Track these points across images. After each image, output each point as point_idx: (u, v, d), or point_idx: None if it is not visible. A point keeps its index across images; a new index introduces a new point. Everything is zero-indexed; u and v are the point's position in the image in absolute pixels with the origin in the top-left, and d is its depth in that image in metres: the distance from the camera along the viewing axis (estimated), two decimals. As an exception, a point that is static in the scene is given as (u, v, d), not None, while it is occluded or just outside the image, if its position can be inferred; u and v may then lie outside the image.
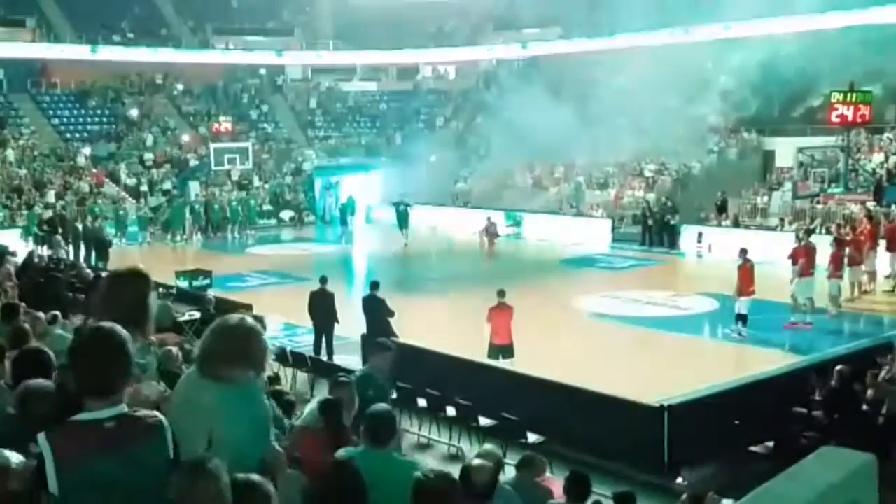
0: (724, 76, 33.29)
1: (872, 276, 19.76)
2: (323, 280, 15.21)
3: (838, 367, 10.05)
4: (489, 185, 35.96)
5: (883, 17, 30.57)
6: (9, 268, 14.52)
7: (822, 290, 17.32)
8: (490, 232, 28.24)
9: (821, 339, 15.80)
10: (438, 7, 46.04)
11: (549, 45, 42.26)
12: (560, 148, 32.45)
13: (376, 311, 14.01)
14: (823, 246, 18.09)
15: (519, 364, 12.67)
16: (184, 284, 19.14)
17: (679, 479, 8.68)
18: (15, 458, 2.77)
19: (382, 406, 5.05)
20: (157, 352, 6.39)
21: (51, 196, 32.58)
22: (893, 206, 23.42)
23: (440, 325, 16.23)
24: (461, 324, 15.58)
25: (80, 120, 39.42)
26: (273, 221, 36.69)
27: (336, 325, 14.82)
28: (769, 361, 13.70)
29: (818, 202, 26.46)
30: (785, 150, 30.62)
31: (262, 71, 45.37)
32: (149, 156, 38.04)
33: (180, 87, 42.86)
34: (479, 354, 12.95)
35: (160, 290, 13.77)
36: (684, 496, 6.26)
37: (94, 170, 35.91)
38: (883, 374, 10.30)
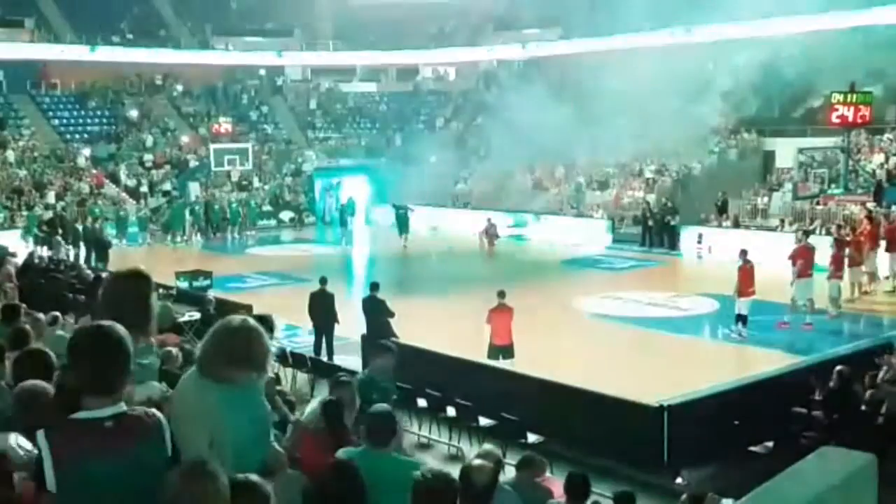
0: (725, 77, 33.27)
1: (872, 276, 19.78)
2: (323, 281, 15.22)
3: (838, 368, 10.05)
4: (489, 186, 35.96)
5: (883, 18, 30.58)
6: (9, 269, 14.55)
7: (822, 291, 17.33)
8: (490, 233, 28.28)
9: (821, 339, 15.81)
10: (438, 7, 46.03)
11: (549, 45, 42.27)
12: (560, 149, 32.46)
13: (376, 311, 14.02)
14: (823, 247, 18.11)
15: (519, 364, 12.67)
16: (184, 285, 19.13)
17: (679, 479, 8.67)
18: (13, 439, 2.76)
19: (383, 406, 5.06)
20: (157, 352, 6.38)
21: (51, 197, 32.59)
22: (893, 207, 23.42)
23: (440, 326, 16.21)
24: (461, 324, 15.58)
25: (80, 121, 39.44)
26: (273, 222, 36.71)
27: (336, 325, 14.83)
28: (769, 361, 13.72)
29: (818, 203, 26.46)
30: (785, 151, 30.60)
31: (262, 72, 45.39)
32: (149, 157, 38.06)
33: (180, 87, 42.87)
34: (479, 355, 12.95)
35: (160, 290, 13.77)
36: (684, 496, 6.26)
37: (94, 171, 35.93)
38: (882, 374, 10.31)
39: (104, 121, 39.90)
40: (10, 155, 34.86)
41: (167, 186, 36.37)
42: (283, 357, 12.84)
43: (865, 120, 26.49)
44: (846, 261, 18.27)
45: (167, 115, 41.16)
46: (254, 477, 2.76)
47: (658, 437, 9.79)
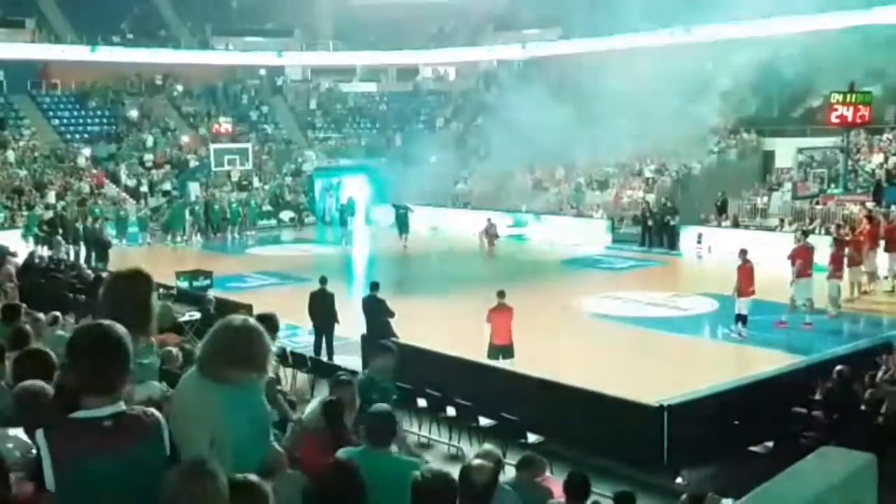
0: (724, 77, 33.29)
1: (872, 276, 19.78)
2: (323, 281, 15.21)
3: (838, 368, 10.05)
4: (489, 186, 35.96)
5: (883, 18, 30.59)
6: (9, 268, 14.56)
7: (822, 291, 17.33)
8: (490, 233, 28.28)
9: (821, 339, 15.80)
10: (438, 7, 46.03)
11: (549, 45, 42.27)
12: (560, 149, 32.43)
13: (376, 311, 14.02)
14: (823, 246, 18.11)
15: (519, 364, 12.67)
16: (184, 285, 19.12)
17: (679, 479, 8.67)
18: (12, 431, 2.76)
19: (383, 406, 5.06)
20: (158, 352, 6.39)
21: (51, 197, 32.60)
22: (893, 207, 23.44)
23: (440, 326, 16.21)
24: (461, 324, 15.57)
25: (81, 121, 39.45)
26: (273, 222, 36.69)
27: (336, 325, 14.83)
28: (769, 361, 13.71)
29: (818, 203, 26.47)
30: (785, 151, 30.62)
31: (262, 72, 45.40)
32: (149, 157, 38.06)
33: (180, 87, 42.88)
34: (479, 355, 12.94)
35: (160, 290, 13.77)
36: (684, 496, 6.26)
37: (94, 171, 35.95)
38: (881, 374, 10.31)
39: (104, 121, 39.91)
40: (11, 155, 34.87)
41: (167, 186, 36.38)
42: (283, 357, 12.85)
43: (865, 120, 26.50)
44: (846, 260, 18.27)
45: (167, 115, 41.17)
46: (253, 477, 2.75)
47: (658, 437, 9.78)
